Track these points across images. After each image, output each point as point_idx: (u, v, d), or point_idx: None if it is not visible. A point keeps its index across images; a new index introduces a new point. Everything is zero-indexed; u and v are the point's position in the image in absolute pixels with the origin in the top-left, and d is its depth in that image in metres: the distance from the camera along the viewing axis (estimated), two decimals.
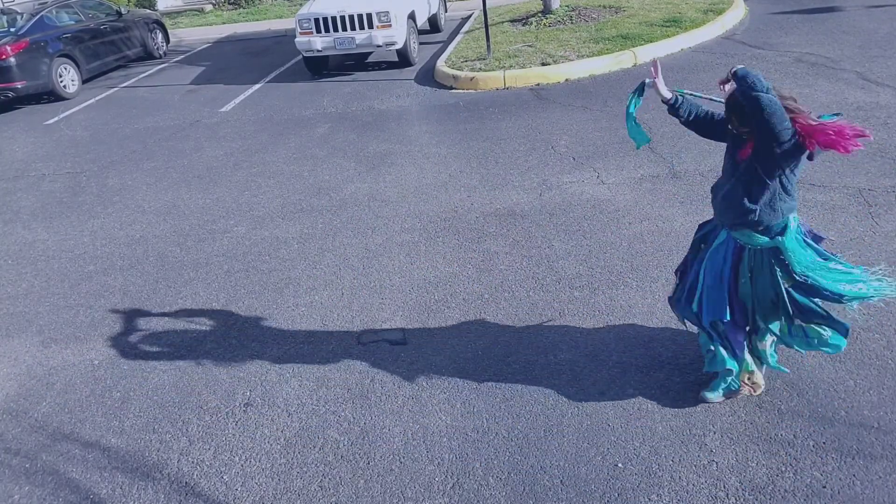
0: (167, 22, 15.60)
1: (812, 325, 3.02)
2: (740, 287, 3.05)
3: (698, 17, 10.18)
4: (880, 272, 2.98)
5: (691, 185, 5.52)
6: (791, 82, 7.47)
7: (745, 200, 2.81)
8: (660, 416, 3.26)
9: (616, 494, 2.92)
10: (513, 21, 11.89)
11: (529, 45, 10.02)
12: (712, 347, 3.13)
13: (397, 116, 8.35)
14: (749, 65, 2.65)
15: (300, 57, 11.19)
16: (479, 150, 6.92)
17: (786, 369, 3.32)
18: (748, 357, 3.20)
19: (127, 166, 7.81)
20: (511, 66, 9.11)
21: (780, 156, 2.67)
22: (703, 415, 3.23)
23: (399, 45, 10.18)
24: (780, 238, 2.85)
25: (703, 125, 3.15)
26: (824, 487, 2.81)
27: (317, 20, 10.10)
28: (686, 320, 3.30)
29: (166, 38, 14.61)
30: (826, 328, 3.01)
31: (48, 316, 4.91)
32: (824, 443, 3.01)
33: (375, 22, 9.97)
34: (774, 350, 3.28)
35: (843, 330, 3.00)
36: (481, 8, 10.10)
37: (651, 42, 9.31)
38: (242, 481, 3.25)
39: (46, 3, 11.95)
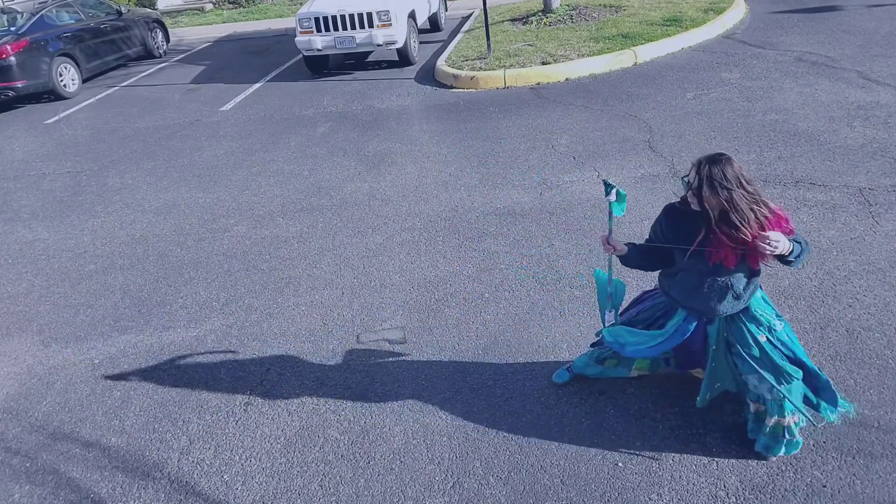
0: (167, 21, 15.59)
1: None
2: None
3: (699, 17, 10.18)
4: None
5: None
6: (791, 82, 7.48)
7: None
8: (660, 415, 3.26)
9: (616, 494, 2.92)
10: (513, 20, 11.89)
11: (530, 45, 10.01)
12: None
13: (397, 115, 8.34)
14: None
15: (300, 56, 11.19)
16: (479, 149, 6.91)
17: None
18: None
19: (127, 165, 7.81)
20: (511, 66, 9.10)
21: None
22: (703, 414, 3.23)
23: (399, 45, 10.17)
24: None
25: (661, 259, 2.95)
26: (824, 487, 2.81)
27: (317, 19, 10.10)
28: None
29: (166, 37, 14.60)
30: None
31: (48, 315, 4.91)
32: (824, 442, 3.01)
33: (376, 21, 9.97)
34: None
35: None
36: (482, 7, 10.10)
37: (651, 41, 9.30)
38: (243, 480, 3.25)
39: (46, 2, 11.93)
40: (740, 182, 2.55)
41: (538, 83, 8.81)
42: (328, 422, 3.55)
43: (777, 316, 2.91)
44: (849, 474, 2.85)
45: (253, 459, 3.37)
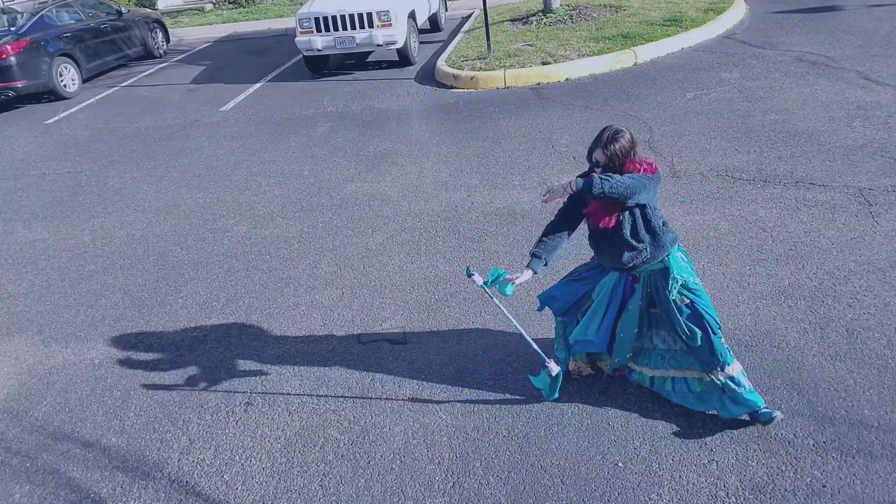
0: (167, 21, 15.60)
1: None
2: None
3: (698, 17, 10.18)
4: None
5: (691, 184, 5.52)
6: (791, 81, 7.48)
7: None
8: (660, 415, 3.27)
9: (616, 493, 2.92)
10: (513, 20, 11.89)
11: (530, 45, 10.02)
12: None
13: (398, 116, 8.35)
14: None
15: (300, 56, 11.19)
16: (479, 149, 6.92)
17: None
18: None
19: (127, 165, 7.81)
20: (511, 66, 9.10)
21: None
22: (703, 413, 3.23)
23: (399, 45, 10.18)
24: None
25: (568, 223, 3.24)
26: (824, 487, 2.81)
27: (317, 19, 10.10)
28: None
29: (166, 38, 14.61)
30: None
31: (49, 315, 4.92)
32: (824, 442, 3.01)
33: (376, 21, 9.97)
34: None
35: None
36: (482, 7, 10.10)
37: (651, 41, 9.31)
38: (243, 480, 3.25)
39: (47, 2, 11.93)
40: (628, 153, 2.93)
41: (538, 83, 8.81)
42: (328, 422, 3.55)
43: (693, 275, 3.15)
44: (849, 474, 2.85)
45: (253, 459, 3.37)
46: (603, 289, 3.24)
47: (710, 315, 3.06)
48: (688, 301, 3.06)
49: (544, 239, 3.23)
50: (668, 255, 3.06)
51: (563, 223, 3.21)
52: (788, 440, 3.04)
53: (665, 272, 3.07)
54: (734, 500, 2.81)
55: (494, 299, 3.28)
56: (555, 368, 3.26)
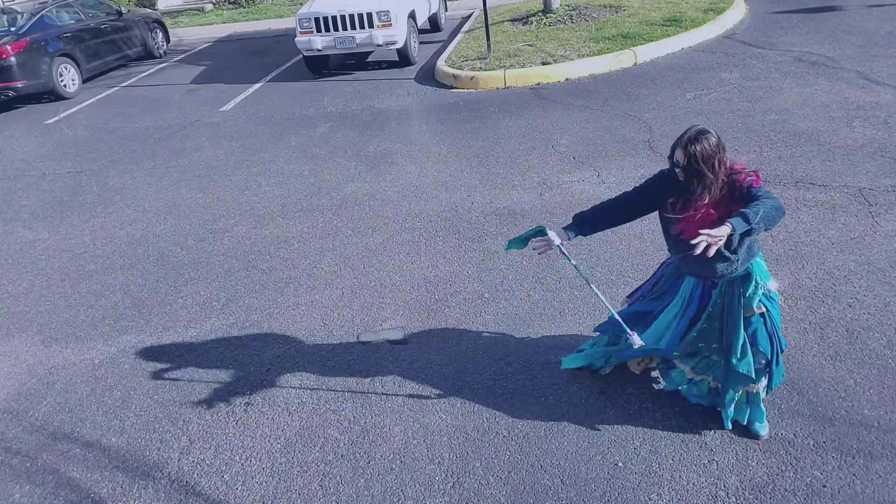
0: (167, 21, 15.60)
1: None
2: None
3: (698, 17, 10.18)
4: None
5: None
6: (791, 82, 7.48)
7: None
8: (660, 415, 3.27)
9: (616, 494, 2.92)
10: (513, 20, 11.89)
11: (530, 45, 10.02)
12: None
13: (398, 116, 8.35)
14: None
15: (300, 56, 11.19)
16: (479, 149, 6.92)
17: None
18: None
19: (127, 165, 7.81)
20: (511, 66, 9.10)
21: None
22: (703, 414, 3.23)
23: (399, 45, 10.18)
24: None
25: (629, 214, 3.06)
26: (824, 487, 2.81)
27: (317, 19, 10.10)
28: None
29: (166, 38, 14.61)
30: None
31: (49, 315, 4.92)
32: (824, 442, 3.01)
33: (376, 21, 9.97)
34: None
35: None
36: (482, 7, 10.11)
37: (651, 41, 9.30)
38: (243, 480, 3.25)
39: (47, 2, 11.94)
40: (711, 157, 2.72)
41: (538, 83, 8.81)
42: (328, 422, 3.55)
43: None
44: (849, 474, 2.85)
45: (253, 459, 3.37)
46: (680, 295, 3.12)
47: (779, 334, 2.96)
48: (764, 309, 2.92)
49: (596, 213, 3.05)
50: (751, 261, 2.93)
51: (625, 210, 3.02)
52: (788, 440, 3.04)
53: (747, 278, 2.92)
54: (734, 500, 2.81)
55: (571, 260, 3.12)
56: (637, 342, 3.08)
